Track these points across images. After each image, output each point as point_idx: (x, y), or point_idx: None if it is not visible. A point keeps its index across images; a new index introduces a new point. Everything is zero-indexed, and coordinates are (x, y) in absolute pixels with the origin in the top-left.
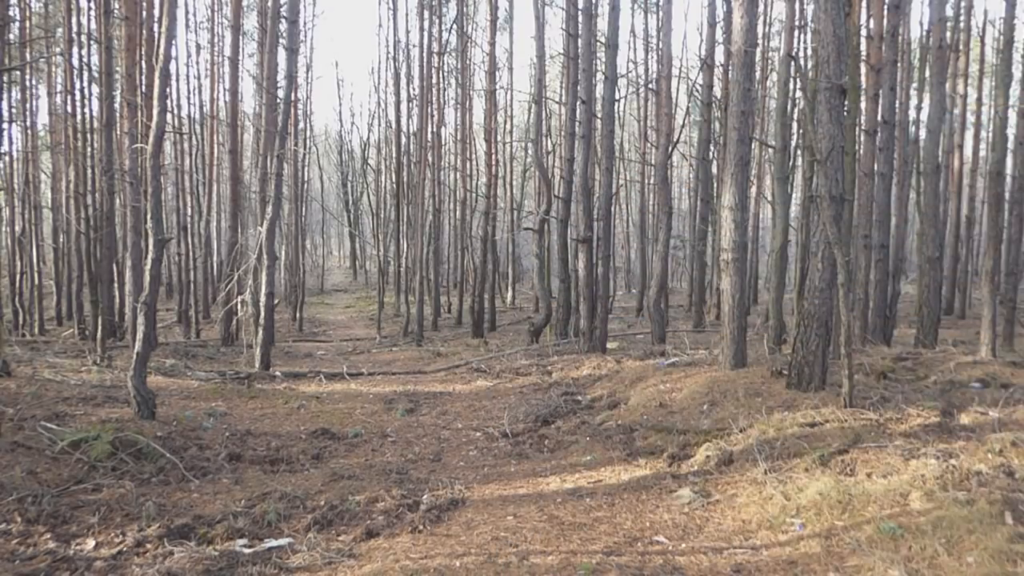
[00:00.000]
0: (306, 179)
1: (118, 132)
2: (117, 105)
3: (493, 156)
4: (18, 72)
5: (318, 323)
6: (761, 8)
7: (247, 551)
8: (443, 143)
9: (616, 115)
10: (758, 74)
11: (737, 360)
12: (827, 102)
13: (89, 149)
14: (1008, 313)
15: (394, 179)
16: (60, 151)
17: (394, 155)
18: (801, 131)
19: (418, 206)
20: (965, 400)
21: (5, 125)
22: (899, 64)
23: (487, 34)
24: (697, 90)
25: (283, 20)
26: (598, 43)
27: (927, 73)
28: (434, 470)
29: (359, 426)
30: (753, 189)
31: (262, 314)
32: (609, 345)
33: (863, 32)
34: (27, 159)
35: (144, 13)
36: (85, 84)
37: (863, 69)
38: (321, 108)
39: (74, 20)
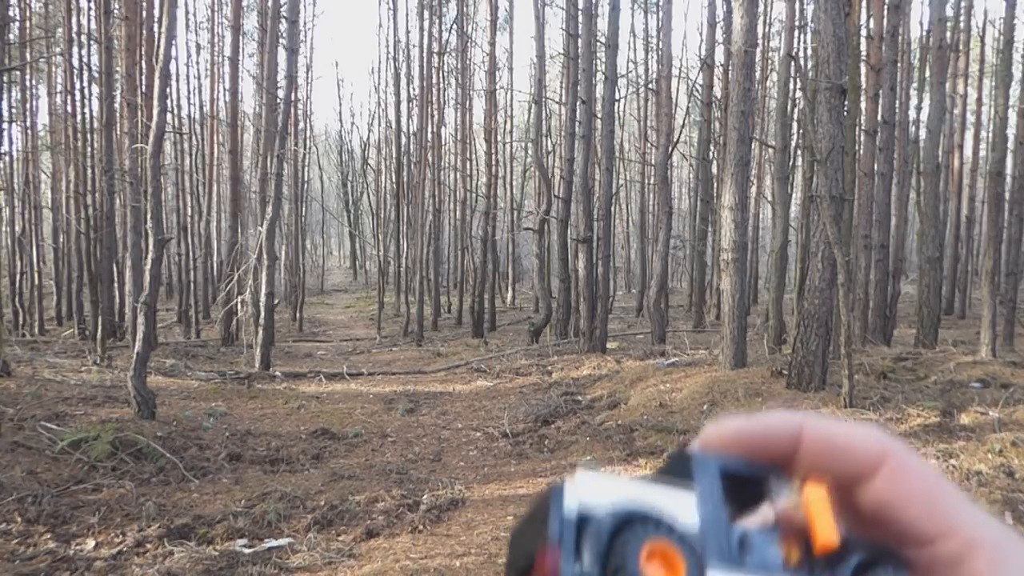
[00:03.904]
0: (306, 179)
1: (118, 132)
2: (117, 105)
3: (493, 156)
4: (18, 72)
5: (318, 323)
6: (761, 8)
7: (247, 551)
8: (443, 143)
9: (616, 115)
10: (758, 74)
11: (737, 360)
12: (827, 102)
13: (89, 149)
14: (1008, 313)
15: (394, 179)
16: (60, 151)
17: (394, 155)
18: (801, 131)
19: (418, 206)
20: (965, 400)
21: (5, 125)
22: (899, 64)
23: (487, 34)
24: (697, 90)
25: (283, 20)
26: (598, 43)
27: (927, 73)
28: (434, 470)
29: (359, 426)
30: (753, 189)
31: (262, 314)
32: (609, 345)
33: (863, 32)
34: (27, 159)
35: (144, 13)
36: (85, 84)
37: (863, 69)
38: (321, 108)
39: (74, 20)
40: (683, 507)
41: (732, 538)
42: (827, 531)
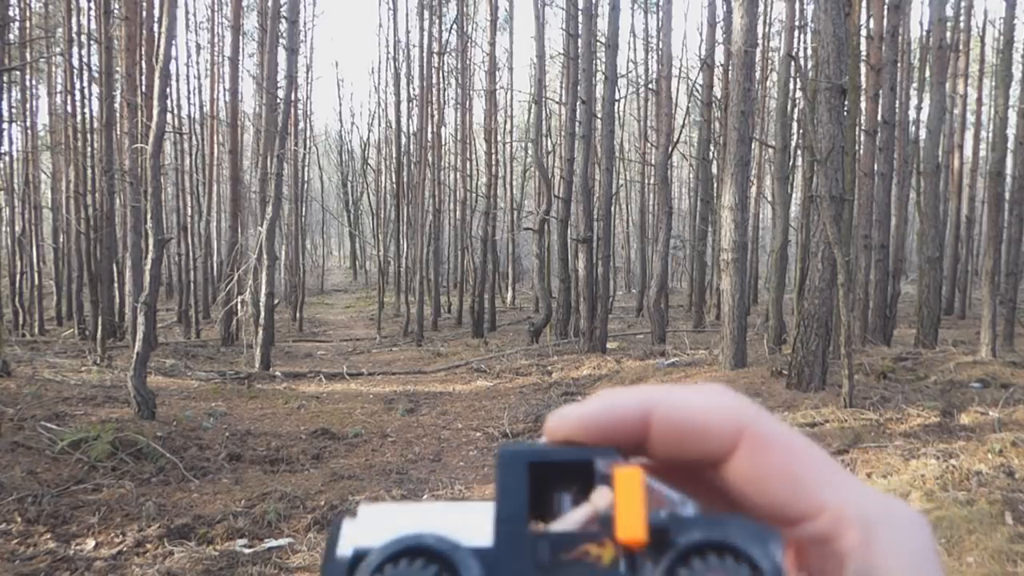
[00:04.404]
0: (306, 179)
1: (118, 132)
2: (117, 105)
3: (493, 156)
4: (18, 72)
5: (318, 323)
6: (761, 8)
7: (247, 551)
8: (443, 143)
9: (616, 115)
10: (758, 74)
11: (737, 360)
12: (827, 102)
13: (89, 149)
14: (1008, 313)
15: (394, 179)
16: (60, 151)
17: (394, 155)
18: (801, 131)
19: (418, 206)
20: (965, 400)
21: (5, 125)
22: (899, 64)
23: (487, 34)
24: (697, 90)
25: (283, 20)
26: (598, 43)
27: (927, 73)
28: (434, 470)
29: (359, 426)
30: (753, 189)
31: (262, 314)
32: (609, 345)
33: (863, 32)
34: (27, 159)
35: (144, 13)
36: (85, 84)
37: (863, 69)
38: (321, 108)
39: (74, 20)
40: (478, 523)
41: (531, 551)
42: (630, 523)
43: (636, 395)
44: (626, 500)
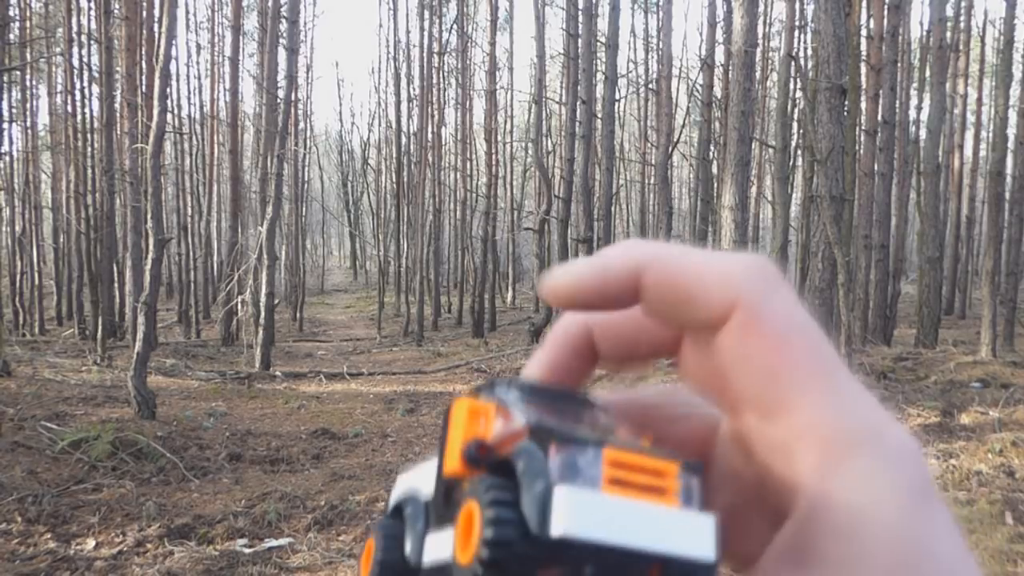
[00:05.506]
0: (306, 179)
1: (118, 132)
2: (117, 105)
3: (493, 156)
4: (18, 72)
5: (318, 323)
6: (761, 8)
7: (247, 551)
8: (443, 143)
9: (616, 115)
10: (758, 74)
11: None
12: (827, 102)
13: (89, 149)
14: (1008, 313)
15: (394, 179)
16: (60, 151)
17: (394, 155)
18: (801, 131)
19: (418, 206)
20: (965, 400)
21: (5, 125)
22: (899, 64)
23: (487, 34)
24: (697, 90)
25: (283, 20)
26: (598, 43)
27: (927, 73)
28: None
29: (359, 426)
30: (753, 189)
31: (262, 314)
32: None
33: (863, 32)
34: (27, 159)
35: (144, 13)
36: (85, 84)
37: (863, 69)
38: (321, 108)
39: (74, 20)
40: (430, 476)
41: (449, 494)
42: (449, 457)
43: (629, 253)
44: (452, 434)
